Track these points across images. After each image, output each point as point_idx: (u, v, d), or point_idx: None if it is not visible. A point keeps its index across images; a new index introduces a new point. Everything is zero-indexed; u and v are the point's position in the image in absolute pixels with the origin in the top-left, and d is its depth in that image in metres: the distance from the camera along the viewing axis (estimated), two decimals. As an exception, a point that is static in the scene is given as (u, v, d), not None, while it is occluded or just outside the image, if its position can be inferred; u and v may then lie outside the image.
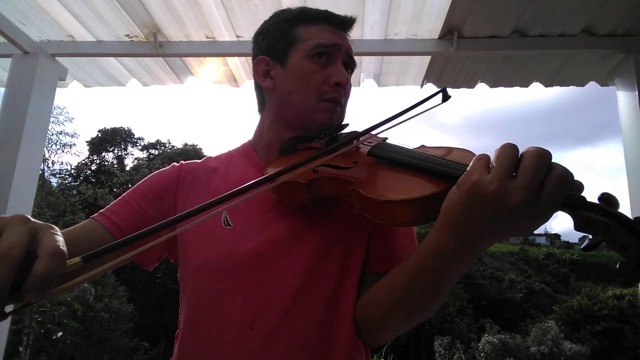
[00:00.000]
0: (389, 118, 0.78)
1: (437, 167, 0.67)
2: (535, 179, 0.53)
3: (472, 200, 0.56)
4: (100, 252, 0.47)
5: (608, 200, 0.54)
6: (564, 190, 0.53)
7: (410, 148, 0.79)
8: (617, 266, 0.53)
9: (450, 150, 0.75)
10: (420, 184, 0.66)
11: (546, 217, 0.54)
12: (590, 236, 0.54)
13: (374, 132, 0.81)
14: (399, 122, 0.78)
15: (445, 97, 0.84)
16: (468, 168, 0.58)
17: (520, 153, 0.56)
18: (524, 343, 16.25)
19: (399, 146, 0.80)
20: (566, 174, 0.53)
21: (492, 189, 0.54)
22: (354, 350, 0.83)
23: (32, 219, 0.47)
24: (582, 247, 0.56)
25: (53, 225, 0.47)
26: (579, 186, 0.56)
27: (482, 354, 15.97)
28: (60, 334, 7.66)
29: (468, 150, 0.73)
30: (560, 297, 22.66)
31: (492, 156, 0.57)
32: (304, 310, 0.79)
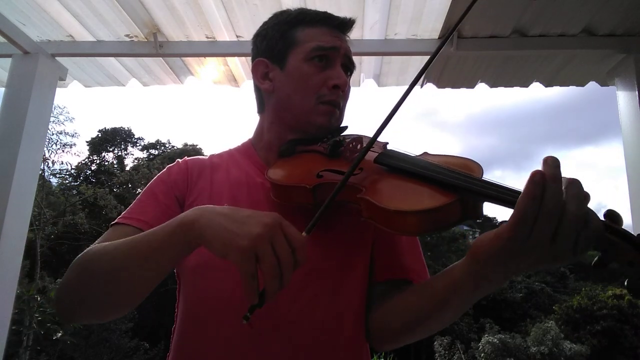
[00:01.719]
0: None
1: (446, 178, 0.66)
2: (574, 240, 0.54)
3: (514, 257, 0.57)
4: (316, 221, 0.65)
5: (613, 217, 0.55)
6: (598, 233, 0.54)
7: (415, 156, 0.78)
8: (625, 283, 0.54)
9: (454, 158, 0.75)
10: (430, 195, 0.66)
11: (584, 255, 0.56)
12: (600, 254, 0.55)
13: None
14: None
15: None
16: (511, 226, 0.55)
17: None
18: (524, 343, 16.25)
19: (405, 154, 0.79)
20: (596, 222, 0.54)
21: (535, 256, 0.56)
22: (360, 352, 0.84)
23: (270, 215, 0.63)
24: (592, 264, 0.56)
25: (279, 215, 0.63)
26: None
27: (482, 354, 15.97)
28: (60, 334, 7.67)
29: (472, 161, 0.73)
30: (560, 297, 22.65)
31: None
32: (303, 310, 0.79)
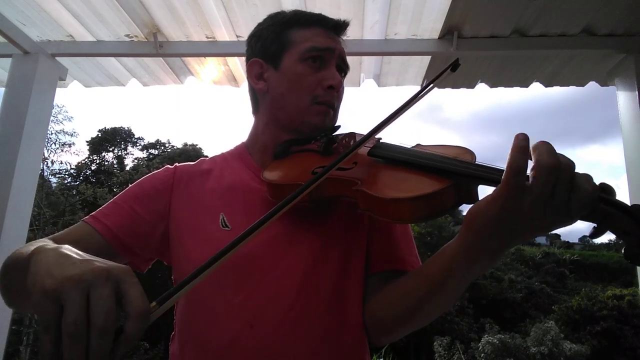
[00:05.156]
0: (400, 108, 0.78)
1: (439, 165, 0.68)
2: (566, 197, 0.54)
3: (511, 218, 0.57)
4: (170, 293, 0.50)
5: (606, 189, 0.56)
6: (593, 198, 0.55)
7: (408, 147, 0.80)
8: (623, 251, 0.55)
9: (446, 148, 0.76)
10: (425, 182, 0.67)
11: (576, 219, 0.56)
12: (595, 225, 0.56)
13: (372, 128, 0.81)
14: (403, 111, 0.78)
15: (455, 67, 0.87)
16: (505, 182, 0.56)
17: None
18: (523, 343, 16.25)
19: (398, 145, 0.80)
20: (590, 187, 0.54)
21: (533, 215, 0.55)
22: (361, 351, 0.84)
23: (111, 265, 0.47)
24: (589, 235, 0.58)
25: (130, 270, 0.48)
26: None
27: (482, 354, 15.97)
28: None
29: (465, 148, 0.74)
30: (560, 297, 22.67)
31: (530, 168, 0.55)
32: (304, 309, 0.79)
